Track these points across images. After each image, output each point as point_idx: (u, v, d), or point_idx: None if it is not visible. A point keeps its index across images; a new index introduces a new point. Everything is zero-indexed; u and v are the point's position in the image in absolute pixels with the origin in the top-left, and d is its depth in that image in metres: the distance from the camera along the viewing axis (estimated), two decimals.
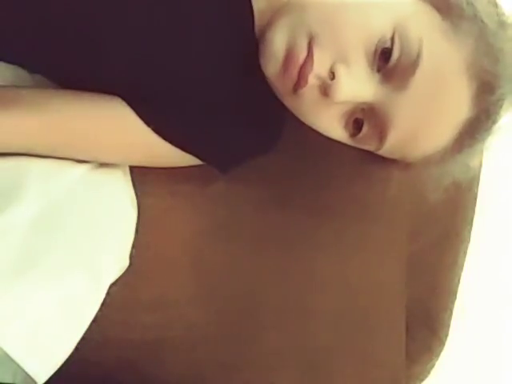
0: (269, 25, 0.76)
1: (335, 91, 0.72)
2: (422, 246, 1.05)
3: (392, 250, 1.02)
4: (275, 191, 0.93)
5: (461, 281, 1.09)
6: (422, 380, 1.12)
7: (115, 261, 0.81)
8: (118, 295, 0.82)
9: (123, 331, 0.86)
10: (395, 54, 0.72)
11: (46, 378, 0.74)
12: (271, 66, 0.76)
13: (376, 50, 0.72)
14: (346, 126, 0.78)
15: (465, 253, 1.08)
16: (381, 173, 0.98)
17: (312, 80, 0.73)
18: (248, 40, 0.79)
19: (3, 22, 0.73)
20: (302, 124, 0.81)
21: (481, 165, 1.05)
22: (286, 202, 0.94)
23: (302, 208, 0.95)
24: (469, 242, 1.09)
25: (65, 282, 0.75)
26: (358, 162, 0.95)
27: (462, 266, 1.09)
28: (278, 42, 0.74)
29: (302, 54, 0.72)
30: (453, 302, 1.09)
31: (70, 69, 0.77)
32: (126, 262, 0.83)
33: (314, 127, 0.80)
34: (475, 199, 1.08)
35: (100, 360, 0.84)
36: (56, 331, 0.75)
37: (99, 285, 0.79)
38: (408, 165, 0.82)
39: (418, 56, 0.72)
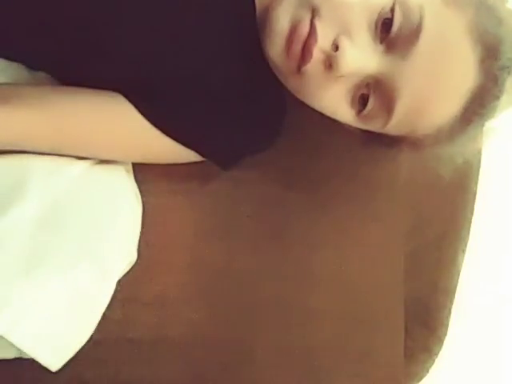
0: (271, 7, 0.76)
1: (340, 62, 0.72)
2: (421, 244, 1.05)
3: (391, 249, 1.02)
4: (274, 190, 0.93)
5: (460, 279, 1.09)
6: (421, 379, 1.12)
7: (122, 254, 0.82)
8: (118, 294, 0.82)
9: (122, 330, 0.85)
10: (396, 24, 0.72)
11: (59, 365, 0.76)
12: (275, 46, 0.75)
13: (378, 21, 0.72)
14: (352, 103, 0.77)
15: (464, 251, 1.08)
16: (381, 172, 0.98)
17: (317, 54, 0.73)
18: (249, 32, 0.79)
19: (5, 20, 0.73)
20: (304, 121, 0.81)
21: (480, 163, 1.06)
22: (285, 200, 0.94)
23: (301, 206, 0.95)
24: (468, 240, 1.09)
25: (73, 276, 0.76)
26: (358, 159, 0.96)
27: (461, 264, 1.09)
28: (281, 21, 0.74)
29: (304, 30, 0.72)
30: (451, 301, 1.09)
31: (71, 65, 0.77)
32: (133, 257, 0.84)
33: (319, 108, 0.79)
34: (474, 198, 1.08)
35: (99, 359, 0.84)
36: (67, 323, 0.76)
37: (107, 277, 0.80)
38: (418, 143, 0.81)
39: (420, 23, 0.72)
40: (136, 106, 0.78)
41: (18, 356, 0.78)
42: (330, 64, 0.73)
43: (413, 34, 0.72)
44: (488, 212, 1.13)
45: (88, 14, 0.73)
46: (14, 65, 0.79)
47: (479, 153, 1.04)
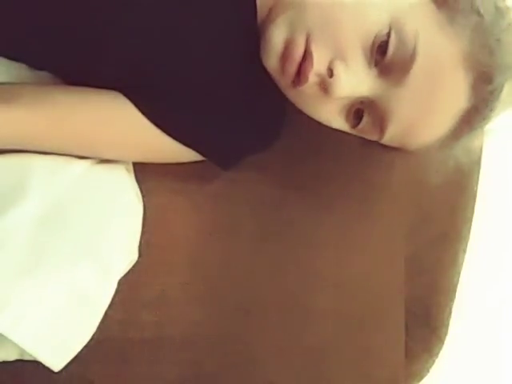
0: (269, 18, 0.77)
1: (334, 88, 0.73)
2: (422, 244, 1.06)
3: (391, 249, 1.02)
4: (275, 190, 0.93)
5: (460, 279, 1.09)
6: (422, 378, 1.12)
7: (123, 253, 0.82)
8: (118, 293, 0.82)
9: (123, 330, 0.86)
10: (391, 49, 0.72)
11: (61, 365, 0.76)
12: (270, 60, 0.76)
13: (373, 46, 0.73)
14: (346, 118, 0.78)
15: (464, 251, 1.09)
16: (381, 172, 0.99)
17: (312, 78, 0.74)
18: (250, 33, 0.79)
19: (7, 20, 0.73)
20: (303, 122, 0.81)
21: (480, 163, 1.06)
22: (286, 201, 0.94)
23: (301, 207, 0.95)
24: (468, 240, 1.09)
25: (74, 276, 0.76)
26: (358, 160, 0.96)
27: (462, 264, 1.09)
28: (276, 38, 0.75)
29: (298, 51, 0.73)
30: (452, 301, 1.10)
31: (72, 65, 0.77)
32: (135, 255, 0.84)
33: (316, 119, 0.80)
34: (474, 197, 1.08)
35: (99, 359, 0.84)
36: (69, 323, 0.76)
37: (108, 276, 0.80)
38: (410, 152, 0.83)
39: (414, 50, 0.72)
40: (137, 106, 0.78)
41: (19, 358, 0.79)
42: (324, 88, 0.74)
43: (407, 60, 0.72)
44: (488, 212, 1.13)
45: (89, 13, 0.73)
46: (16, 64, 0.79)
47: (479, 152, 1.04)
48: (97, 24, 0.73)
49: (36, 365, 0.76)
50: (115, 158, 0.83)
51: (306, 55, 0.73)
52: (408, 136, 0.78)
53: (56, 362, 0.76)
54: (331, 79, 0.73)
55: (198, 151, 0.82)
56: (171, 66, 0.77)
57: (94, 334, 0.79)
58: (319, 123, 0.81)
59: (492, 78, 0.75)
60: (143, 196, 0.85)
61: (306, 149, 0.94)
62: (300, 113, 0.81)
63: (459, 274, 1.10)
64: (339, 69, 0.73)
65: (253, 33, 0.79)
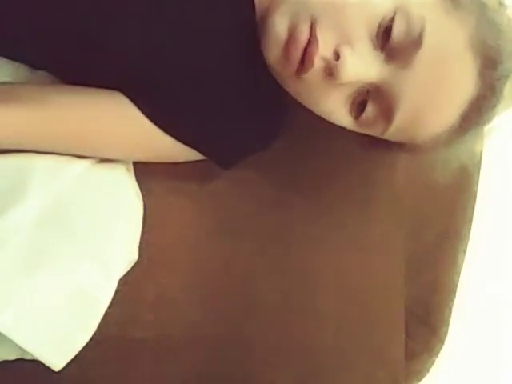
0: (269, 10, 0.76)
1: (341, 71, 0.72)
2: (422, 244, 1.06)
3: (391, 249, 1.02)
4: (276, 190, 0.93)
5: (460, 279, 1.09)
6: (422, 378, 1.12)
7: (123, 253, 0.82)
8: (118, 293, 0.82)
9: (123, 329, 0.86)
10: (395, 32, 0.72)
11: (62, 365, 0.76)
12: (273, 50, 0.75)
13: (379, 30, 0.73)
14: (350, 109, 0.77)
15: (464, 251, 1.09)
16: (382, 172, 0.99)
17: (318, 62, 0.73)
18: (249, 31, 0.79)
19: (6, 20, 0.73)
20: (304, 121, 0.81)
21: (480, 163, 1.06)
22: (287, 201, 0.94)
23: (302, 207, 0.95)
24: (468, 240, 1.09)
25: (74, 276, 0.76)
26: (359, 160, 0.96)
27: (462, 264, 1.09)
28: (279, 26, 0.74)
29: (303, 36, 0.72)
30: (452, 301, 1.10)
31: (72, 64, 0.77)
32: (135, 255, 0.84)
33: (318, 112, 0.79)
34: (475, 198, 1.08)
35: (99, 359, 0.84)
36: (69, 322, 0.77)
37: (108, 276, 0.80)
38: (416, 148, 0.81)
39: (421, 34, 0.72)
40: (137, 105, 0.78)
41: (19, 357, 0.79)
42: (330, 72, 0.73)
43: (413, 44, 0.72)
44: (488, 212, 1.13)
45: (88, 12, 0.73)
46: (16, 64, 0.79)
47: (480, 153, 1.04)
48: (96, 23, 0.73)
49: (36, 364, 0.76)
50: (115, 158, 0.83)
51: (311, 40, 0.72)
52: (415, 125, 0.77)
53: (56, 361, 0.76)
54: (338, 62, 0.72)
55: (198, 150, 0.82)
56: (171, 65, 0.77)
57: (94, 334, 0.79)
58: (320, 122, 0.80)
59: (498, 64, 0.75)
60: (144, 195, 0.85)
61: (307, 149, 0.94)
62: (301, 110, 0.80)
63: (459, 274, 1.10)
64: (346, 52, 0.72)
65: (252, 31, 0.79)
